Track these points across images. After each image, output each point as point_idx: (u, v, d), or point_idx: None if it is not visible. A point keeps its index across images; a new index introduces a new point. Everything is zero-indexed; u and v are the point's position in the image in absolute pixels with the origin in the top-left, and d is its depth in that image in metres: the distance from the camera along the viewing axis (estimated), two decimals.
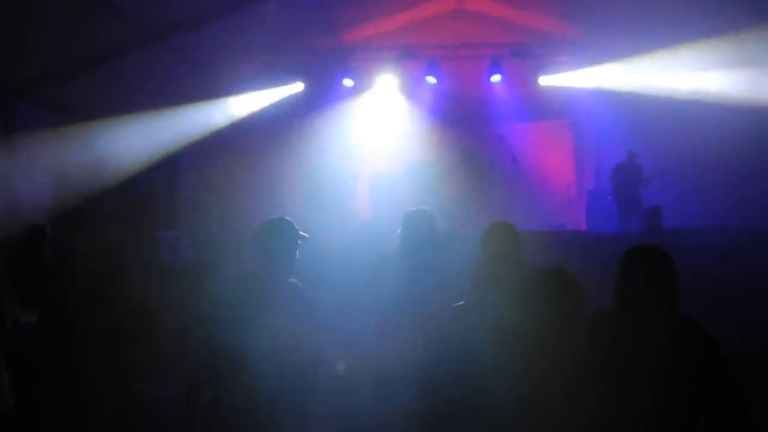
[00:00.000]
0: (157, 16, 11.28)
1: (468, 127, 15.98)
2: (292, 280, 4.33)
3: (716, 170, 14.35)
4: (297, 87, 15.48)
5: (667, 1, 12.49)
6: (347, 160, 16.27)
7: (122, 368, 6.08)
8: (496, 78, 15.42)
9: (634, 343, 3.68)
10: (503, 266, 4.43)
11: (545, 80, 15.36)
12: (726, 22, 11.81)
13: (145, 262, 9.64)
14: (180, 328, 6.64)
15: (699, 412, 3.65)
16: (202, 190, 14.03)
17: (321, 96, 15.87)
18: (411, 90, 16.28)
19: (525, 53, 15.19)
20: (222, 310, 4.20)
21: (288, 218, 4.50)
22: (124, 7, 10.56)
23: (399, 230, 5.00)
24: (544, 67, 15.33)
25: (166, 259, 11.41)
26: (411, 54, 15.24)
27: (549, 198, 15.66)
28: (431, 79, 15.41)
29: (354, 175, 15.09)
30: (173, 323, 6.92)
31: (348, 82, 15.63)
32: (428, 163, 13.67)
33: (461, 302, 4.36)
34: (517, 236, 5.18)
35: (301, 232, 4.42)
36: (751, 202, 13.67)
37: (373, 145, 16.69)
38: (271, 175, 14.46)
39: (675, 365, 3.61)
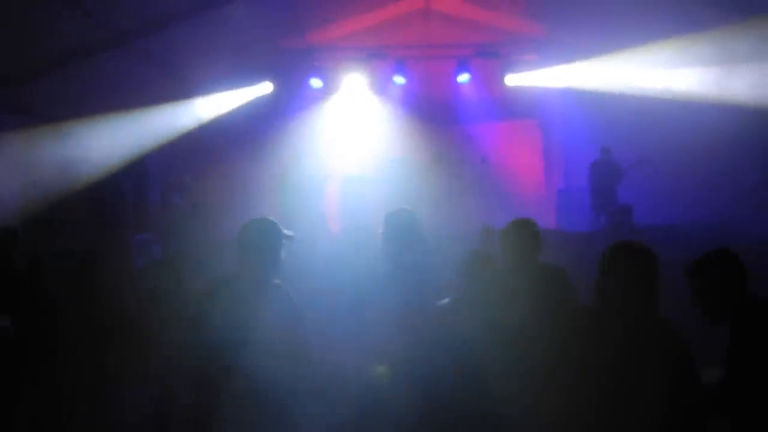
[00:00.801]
0: (124, 17, 11.19)
1: (437, 126, 15.98)
2: (277, 281, 4.30)
3: (687, 168, 14.52)
4: (266, 87, 15.43)
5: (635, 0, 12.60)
6: (316, 161, 16.30)
7: (97, 370, 6.06)
8: (463, 78, 15.44)
9: (612, 342, 3.68)
10: (487, 264, 4.47)
11: (513, 79, 15.42)
12: (695, 20, 11.94)
13: (117, 264, 9.59)
14: (158, 330, 6.61)
15: (666, 413, 3.65)
16: (172, 193, 13.93)
17: (290, 96, 15.82)
18: (379, 90, 16.26)
19: (492, 53, 15.24)
20: (205, 312, 4.16)
21: (272, 218, 4.44)
22: (92, 8, 10.45)
23: (381, 230, 5.00)
24: (511, 67, 15.39)
25: (138, 261, 11.34)
26: (379, 54, 15.24)
27: (519, 197, 15.68)
28: (399, 79, 15.41)
29: (324, 175, 15.10)
30: (150, 326, 6.90)
31: (316, 83, 15.59)
32: (397, 163, 13.73)
33: (446, 300, 4.38)
34: (538, 233, 5.33)
35: (285, 231, 4.38)
36: (722, 199, 13.84)
37: (343, 146, 16.68)
38: (242, 176, 14.38)
39: (647, 366, 3.61)
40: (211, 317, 4.09)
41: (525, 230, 5.30)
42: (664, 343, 3.68)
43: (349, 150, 16.08)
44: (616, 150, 13.69)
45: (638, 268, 3.76)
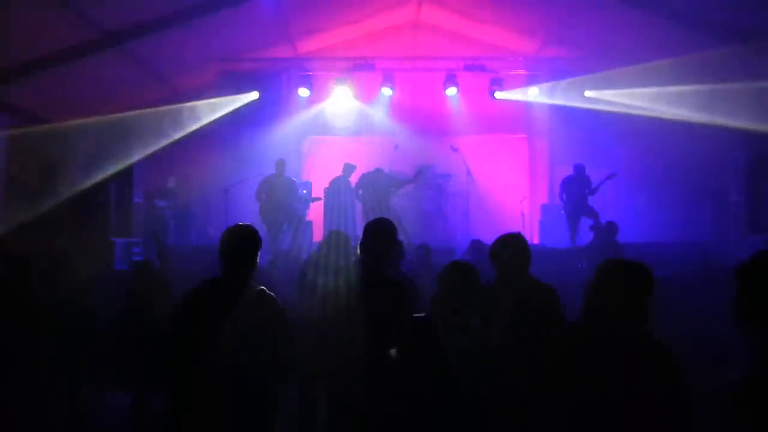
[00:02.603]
0: (114, 21, 11.17)
1: (423, 138, 16.01)
2: (262, 287, 4.32)
3: (670, 187, 14.62)
4: (252, 96, 15.41)
5: (624, 22, 12.69)
6: (301, 170, 16.33)
7: (67, 371, 6.03)
8: (451, 91, 15.48)
9: (602, 361, 3.63)
10: (467, 275, 4.47)
11: (501, 94, 15.47)
12: (684, 42, 12.05)
13: (97, 266, 9.55)
14: (136, 335, 6.58)
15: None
16: (156, 197, 13.90)
17: (276, 105, 15.81)
18: (366, 101, 16.28)
19: (481, 66, 15.28)
20: (183, 316, 4.17)
21: (250, 225, 4.49)
22: (82, 10, 10.43)
23: (359, 241, 5.00)
24: (500, 81, 15.43)
25: (120, 264, 11.31)
26: (367, 65, 15.26)
27: (502, 211, 15.72)
28: (387, 91, 15.42)
29: (308, 184, 15.11)
30: (123, 328, 6.88)
31: (303, 92, 15.58)
32: (382, 174, 13.74)
33: (422, 314, 4.36)
34: (528, 248, 5.36)
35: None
36: (704, 219, 13.92)
37: (328, 156, 16.70)
38: (226, 183, 14.36)
39: (636, 387, 3.57)
40: (187, 322, 4.11)
41: (515, 245, 5.33)
42: (656, 364, 3.63)
43: (334, 159, 16.12)
44: (601, 168, 13.70)
45: (636, 287, 3.71)
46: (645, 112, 13.61)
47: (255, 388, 4.11)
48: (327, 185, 14.04)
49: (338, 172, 14.02)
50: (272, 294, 4.32)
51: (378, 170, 13.77)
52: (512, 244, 5.35)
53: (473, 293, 4.43)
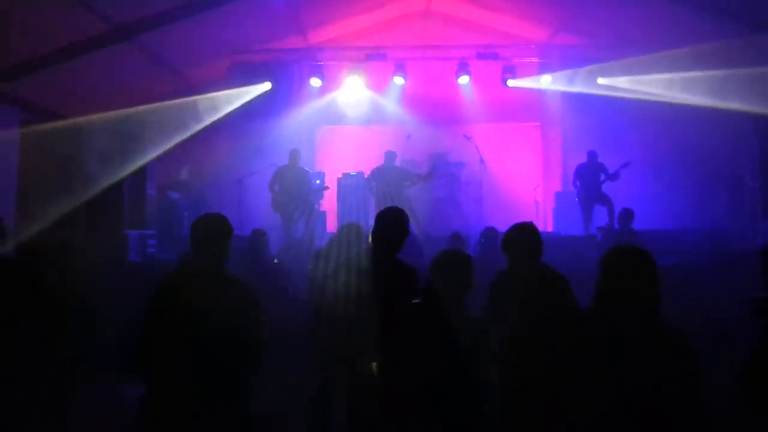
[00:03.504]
0: (125, 14, 11.18)
1: (436, 127, 16.00)
2: (234, 276, 4.49)
3: (685, 174, 14.54)
4: (264, 86, 15.41)
5: (637, 8, 12.61)
6: (314, 160, 16.35)
7: (74, 361, 6.06)
8: (464, 80, 15.44)
9: (613, 348, 3.61)
10: (458, 263, 4.48)
11: (514, 82, 15.42)
12: (699, 30, 11.97)
13: (111, 259, 9.60)
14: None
15: (669, 416, 3.59)
16: (169, 188, 13.95)
17: (288, 95, 15.80)
18: (378, 90, 16.26)
19: (493, 55, 15.23)
20: (158, 302, 4.30)
21: (220, 213, 4.67)
22: (93, 4, 10.45)
23: (371, 229, 5.06)
24: (512, 69, 15.37)
25: (133, 256, 11.35)
26: (379, 55, 15.23)
27: (516, 199, 15.72)
28: (399, 80, 15.40)
29: (321, 174, 15.13)
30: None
31: (315, 82, 15.58)
32: (394, 168, 13.73)
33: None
34: (540, 237, 5.41)
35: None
36: (719, 206, 13.85)
37: (341, 146, 16.72)
38: (239, 173, 14.40)
39: (651, 373, 3.55)
40: (160, 308, 4.24)
41: (525, 235, 5.38)
42: (667, 347, 3.61)
43: (347, 149, 16.12)
44: (617, 156, 13.62)
45: (638, 272, 3.70)
46: (658, 99, 13.52)
47: (225, 372, 4.21)
48: (369, 174, 13.93)
49: (351, 162, 14.04)
50: (242, 280, 4.50)
51: (389, 161, 13.70)
52: (523, 233, 5.40)
53: (465, 282, 4.45)
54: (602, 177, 13.38)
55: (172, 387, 4.11)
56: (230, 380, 4.25)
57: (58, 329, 5.76)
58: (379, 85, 16.16)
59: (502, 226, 5.78)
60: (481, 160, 14.64)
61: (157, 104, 13.66)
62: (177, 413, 4.10)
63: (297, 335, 5.95)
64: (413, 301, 4.27)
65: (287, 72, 15.78)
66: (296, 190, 12.94)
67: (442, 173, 14.99)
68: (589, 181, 13.46)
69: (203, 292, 4.25)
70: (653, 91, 13.64)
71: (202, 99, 14.83)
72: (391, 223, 5.05)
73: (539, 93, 16.16)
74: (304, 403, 5.79)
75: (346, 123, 16.85)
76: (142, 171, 12.50)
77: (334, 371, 5.52)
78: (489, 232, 9.56)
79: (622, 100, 14.23)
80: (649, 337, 3.60)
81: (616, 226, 12.22)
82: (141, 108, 13.07)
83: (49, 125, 11.34)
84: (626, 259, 3.77)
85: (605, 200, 13.22)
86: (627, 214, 11.91)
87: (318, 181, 14.48)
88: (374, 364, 4.32)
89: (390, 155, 13.68)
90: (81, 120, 11.57)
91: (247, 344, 4.30)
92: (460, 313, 4.29)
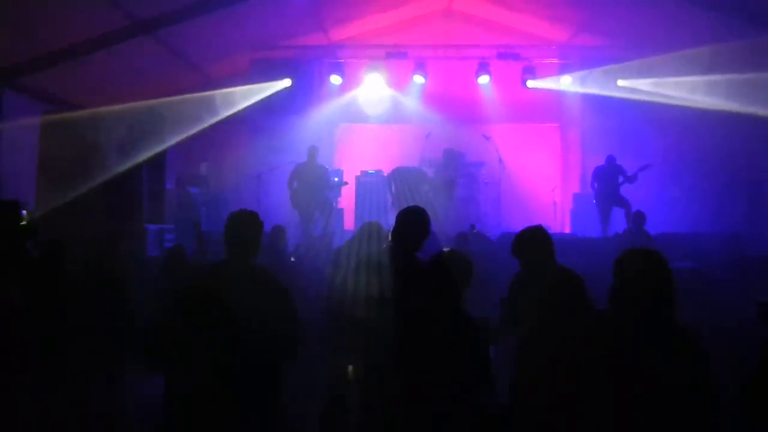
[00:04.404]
0: (147, 8, 11.24)
1: (455, 126, 15.99)
2: (268, 270, 4.56)
3: (705, 178, 14.47)
4: (284, 83, 15.45)
5: (658, 9, 12.56)
6: (333, 157, 16.37)
7: (108, 358, 6.09)
8: (483, 79, 15.45)
9: (628, 350, 3.62)
10: (459, 263, 4.52)
11: (534, 83, 15.40)
12: (718, 32, 11.91)
13: (131, 253, 9.63)
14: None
15: (680, 418, 3.59)
16: (188, 183, 14.01)
17: (309, 92, 15.83)
18: (399, 89, 16.28)
19: (514, 55, 15.23)
20: (192, 298, 4.31)
21: (253, 210, 4.79)
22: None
23: (391, 228, 5.09)
24: (532, 70, 15.37)
25: (152, 251, 11.39)
26: (399, 53, 15.25)
27: (534, 200, 15.71)
28: (419, 79, 15.41)
29: (339, 171, 15.15)
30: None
31: (336, 80, 15.62)
32: (412, 169, 13.75)
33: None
34: (550, 239, 5.49)
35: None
36: (737, 210, 13.77)
37: (360, 144, 16.74)
38: (258, 169, 14.44)
39: (665, 376, 3.55)
40: (195, 304, 4.24)
41: (534, 239, 5.45)
42: (680, 349, 3.61)
43: (366, 147, 16.14)
44: (636, 158, 13.58)
45: (650, 274, 3.71)
46: (679, 102, 13.47)
47: (260, 367, 4.25)
48: (389, 173, 13.94)
49: (370, 160, 14.05)
50: (275, 276, 4.58)
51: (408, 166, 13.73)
52: (532, 237, 5.48)
53: (464, 282, 4.50)
54: (620, 179, 13.37)
55: (207, 381, 4.10)
56: (269, 374, 4.32)
57: (89, 324, 5.81)
58: (399, 83, 16.18)
59: (520, 226, 5.79)
60: (500, 160, 14.65)
61: (177, 98, 13.72)
62: (210, 408, 4.11)
63: (315, 335, 5.96)
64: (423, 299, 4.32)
65: (308, 69, 15.82)
66: (314, 187, 12.97)
67: (462, 172, 14.95)
68: (607, 183, 13.44)
69: (242, 287, 4.32)
70: (674, 93, 13.60)
71: (221, 94, 14.88)
72: (413, 222, 5.09)
73: (559, 94, 16.13)
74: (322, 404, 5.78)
75: (366, 121, 16.86)
76: (161, 165, 12.54)
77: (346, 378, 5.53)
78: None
79: (642, 102, 14.18)
80: (663, 340, 3.61)
81: (629, 227, 12.21)
82: (161, 101, 13.11)
83: (69, 116, 11.37)
84: (639, 262, 3.78)
85: (623, 203, 13.19)
86: (639, 217, 11.89)
87: (336, 179, 14.49)
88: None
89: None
90: (101, 111, 11.61)
91: (285, 338, 4.38)
92: (461, 312, 4.34)
